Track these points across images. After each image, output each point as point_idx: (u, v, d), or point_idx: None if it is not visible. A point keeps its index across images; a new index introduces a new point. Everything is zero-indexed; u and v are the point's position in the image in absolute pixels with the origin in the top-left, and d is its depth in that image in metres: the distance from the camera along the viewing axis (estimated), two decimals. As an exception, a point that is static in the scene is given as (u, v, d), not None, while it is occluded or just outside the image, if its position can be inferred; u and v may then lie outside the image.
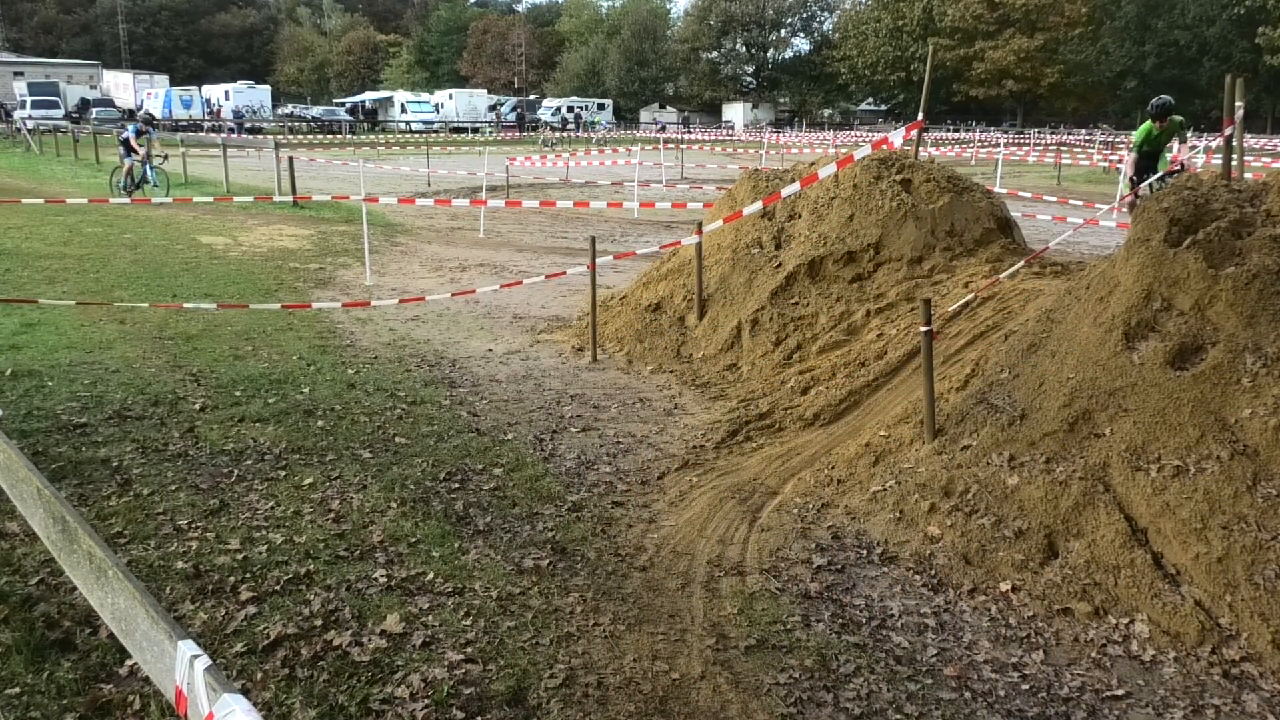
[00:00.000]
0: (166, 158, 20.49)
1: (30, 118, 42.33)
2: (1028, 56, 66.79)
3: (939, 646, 3.82)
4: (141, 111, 38.89)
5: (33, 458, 4.67)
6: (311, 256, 13.42)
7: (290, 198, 17.97)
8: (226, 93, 59.20)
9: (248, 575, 4.10)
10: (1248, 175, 7.30)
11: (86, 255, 12.52)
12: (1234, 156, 6.01)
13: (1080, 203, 14.36)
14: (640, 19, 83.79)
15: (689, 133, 54.60)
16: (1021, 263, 7.42)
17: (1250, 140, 30.09)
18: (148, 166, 18.76)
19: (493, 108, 67.62)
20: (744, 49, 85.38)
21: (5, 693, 3.24)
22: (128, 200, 16.60)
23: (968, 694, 3.52)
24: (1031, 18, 66.80)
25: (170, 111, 56.75)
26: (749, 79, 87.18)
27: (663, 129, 53.16)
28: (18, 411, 6.04)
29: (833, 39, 79.54)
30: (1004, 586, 4.21)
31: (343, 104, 69.50)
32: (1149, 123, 9.81)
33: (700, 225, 8.35)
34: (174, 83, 66.69)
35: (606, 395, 7.16)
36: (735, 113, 76.77)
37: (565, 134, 53.74)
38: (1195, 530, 4.02)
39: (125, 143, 18.93)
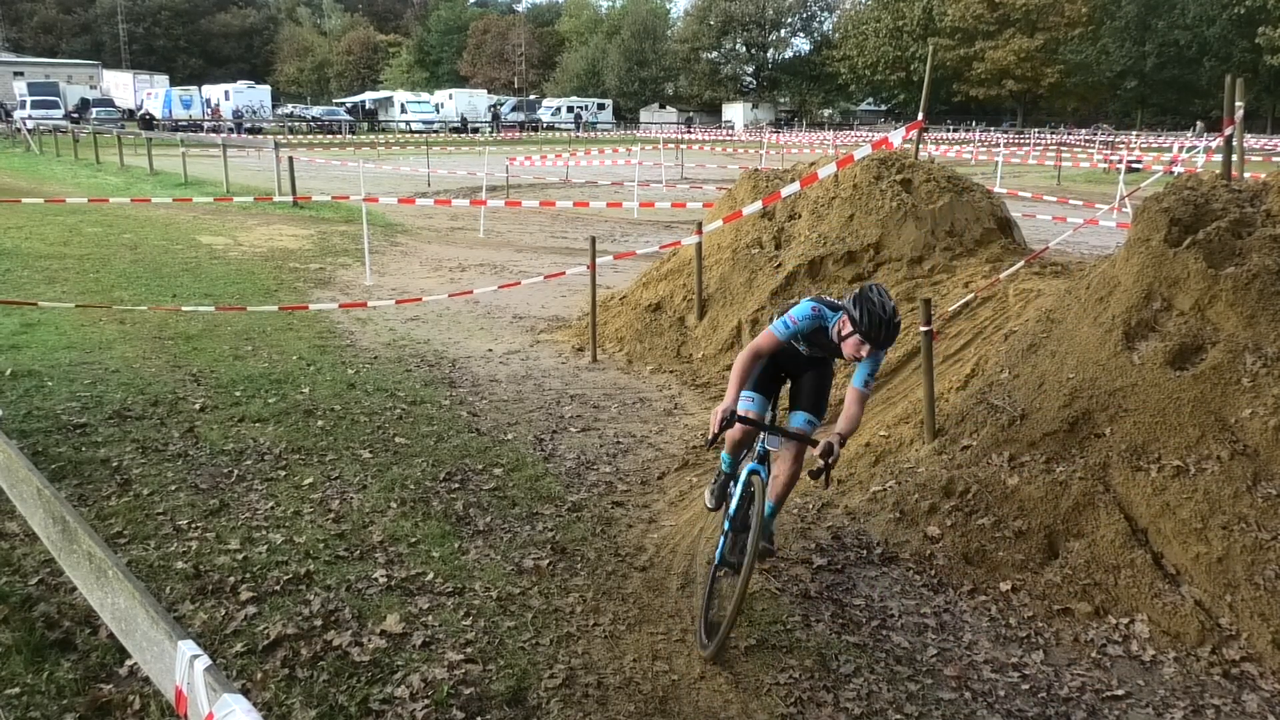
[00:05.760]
0: None
1: (30, 118, 42.30)
2: (1028, 56, 66.79)
3: (939, 646, 3.82)
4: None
5: (33, 458, 4.67)
6: (311, 256, 13.42)
7: (290, 198, 17.96)
8: (226, 93, 59.15)
9: (248, 575, 4.10)
10: (1247, 175, 7.30)
11: (86, 255, 12.52)
12: (1234, 156, 6.01)
13: (1080, 203, 14.35)
14: (640, 19, 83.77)
15: (689, 132, 54.54)
16: (1021, 263, 7.42)
17: (1250, 140, 30.08)
18: None
19: (492, 108, 67.57)
20: (744, 49, 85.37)
21: (5, 693, 3.24)
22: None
23: (968, 694, 3.52)
24: (1031, 18, 66.80)
25: (170, 112, 56.72)
26: (749, 79, 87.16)
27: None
28: (18, 411, 6.04)
29: (833, 39, 79.52)
30: (1004, 586, 4.21)
31: (343, 104, 69.49)
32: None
33: (700, 225, 8.35)
34: (174, 83, 66.67)
35: (606, 395, 7.16)
36: (735, 113, 76.74)
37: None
38: (1195, 530, 4.02)
39: None
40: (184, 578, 4.05)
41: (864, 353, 3.59)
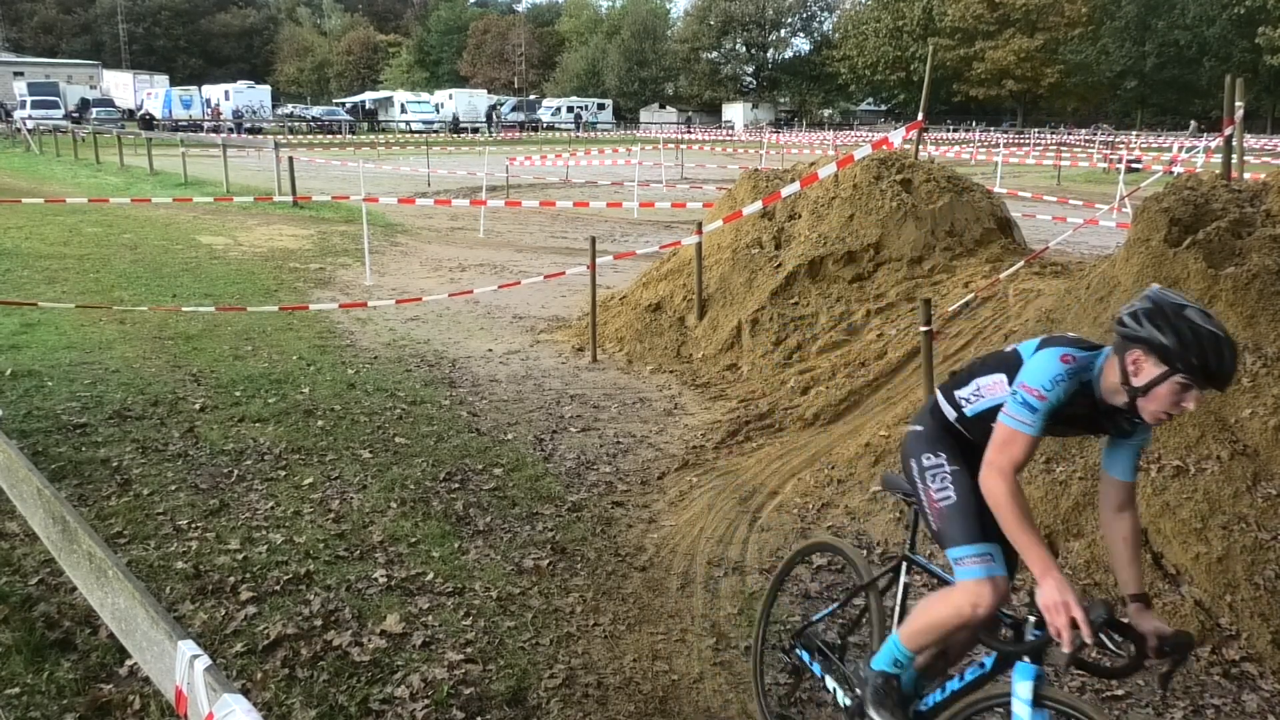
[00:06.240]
0: None
1: (30, 118, 42.29)
2: (1028, 56, 66.80)
3: (939, 646, 3.81)
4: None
5: (33, 458, 4.67)
6: (311, 256, 13.42)
7: (290, 198, 17.96)
8: (226, 93, 59.13)
9: (248, 575, 4.10)
10: (1247, 175, 7.31)
11: (86, 255, 12.52)
12: (1234, 156, 6.02)
13: (1080, 203, 14.36)
14: (640, 19, 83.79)
15: (689, 132, 54.54)
16: (1021, 263, 7.42)
17: (1250, 140, 30.07)
18: None
19: (492, 108, 67.52)
20: (744, 49, 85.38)
21: (5, 693, 3.24)
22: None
23: (968, 694, 3.51)
24: (1031, 18, 66.82)
25: (170, 112, 56.68)
26: (749, 79, 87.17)
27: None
28: (18, 411, 6.04)
29: (833, 39, 79.54)
30: (1004, 586, 4.20)
31: (343, 104, 69.46)
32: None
33: (700, 225, 8.35)
34: (174, 83, 66.63)
35: (606, 395, 7.16)
36: (735, 113, 76.72)
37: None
38: (1195, 530, 4.02)
39: None
40: (184, 578, 4.06)
41: (1190, 403, 2.13)
